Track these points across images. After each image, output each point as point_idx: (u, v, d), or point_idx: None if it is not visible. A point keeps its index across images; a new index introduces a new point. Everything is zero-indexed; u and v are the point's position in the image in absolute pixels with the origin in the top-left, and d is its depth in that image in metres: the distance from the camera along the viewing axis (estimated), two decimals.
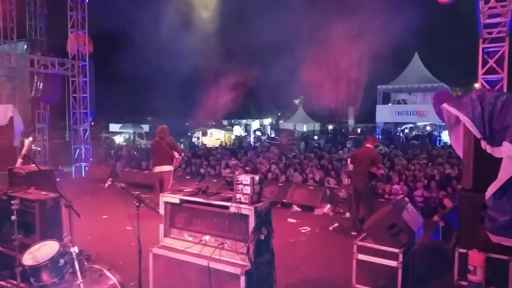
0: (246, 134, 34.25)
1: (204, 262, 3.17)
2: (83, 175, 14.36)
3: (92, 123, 16.27)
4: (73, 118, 14.71)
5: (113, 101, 30.96)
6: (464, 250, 5.02)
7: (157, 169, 8.54)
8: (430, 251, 6.23)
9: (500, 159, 4.72)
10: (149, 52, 24.74)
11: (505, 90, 8.26)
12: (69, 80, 14.37)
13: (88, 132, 14.93)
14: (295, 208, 9.27)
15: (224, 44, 30.52)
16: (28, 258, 3.54)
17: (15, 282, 4.16)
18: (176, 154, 8.56)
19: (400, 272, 4.65)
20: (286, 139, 25.97)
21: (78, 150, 14.60)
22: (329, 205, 9.15)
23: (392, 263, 4.68)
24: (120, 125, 33.54)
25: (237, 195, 3.21)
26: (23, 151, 5.52)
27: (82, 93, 14.46)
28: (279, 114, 48.71)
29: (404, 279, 4.68)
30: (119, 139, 28.63)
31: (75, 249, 3.42)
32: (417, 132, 30.76)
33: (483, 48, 8.47)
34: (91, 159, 15.11)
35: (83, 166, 14.62)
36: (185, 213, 3.52)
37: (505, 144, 4.66)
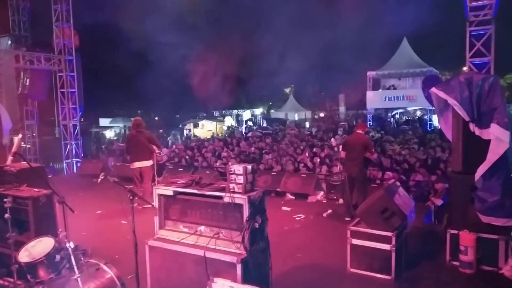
0: (237, 125, 34.14)
1: (200, 252, 3.20)
2: (75, 171, 14.28)
3: (82, 119, 16.10)
4: (62, 113, 14.55)
5: (102, 96, 30.67)
6: (455, 231, 5.12)
7: (137, 164, 8.16)
8: (422, 234, 6.34)
9: (489, 141, 4.81)
10: (137, 44, 24.42)
11: (492, 72, 8.35)
12: (56, 75, 14.19)
13: (78, 127, 14.80)
14: (289, 196, 9.33)
15: (213, 35, 30.31)
16: (24, 255, 3.53)
17: (12, 280, 4.14)
18: (155, 149, 8.20)
19: (393, 255, 4.74)
20: (278, 128, 26.01)
21: (68, 146, 14.48)
22: (322, 192, 9.23)
23: (386, 247, 4.77)
24: (110, 119, 33.25)
25: (230, 185, 3.22)
26: (13, 149, 5.46)
27: (70, 88, 14.30)
28: (270, 103, 48.67)
29: (397, 262, 4.77)
30: (109, 134, 28.42)
31: (70, 245, 3.42)
32: (408, 117, 31.00)
33: (470, 31, 8.54)
34: (82, 155, 15.01)
35: (74, 162, 14.52)
36: (179, 205, 3.53)
37: (493, 125, 4.74)
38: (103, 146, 19.98)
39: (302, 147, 14.44)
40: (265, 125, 32.22)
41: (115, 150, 17.68)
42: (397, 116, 30.86)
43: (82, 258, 3.67)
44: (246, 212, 3.11)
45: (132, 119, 8.85)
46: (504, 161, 4.69)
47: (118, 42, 24.37)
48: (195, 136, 25.57)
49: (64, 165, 14.49)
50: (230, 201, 3.17)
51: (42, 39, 14.91)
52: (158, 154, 8.36)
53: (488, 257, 4.94)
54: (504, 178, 4.73)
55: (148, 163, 8.21)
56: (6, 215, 4.23)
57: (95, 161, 14.14)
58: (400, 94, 27.88)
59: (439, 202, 7.27)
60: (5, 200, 4.26)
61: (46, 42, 14.38)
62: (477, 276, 4.85)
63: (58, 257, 3.54)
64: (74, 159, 14.54)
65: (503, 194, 4.73)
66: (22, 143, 13.45)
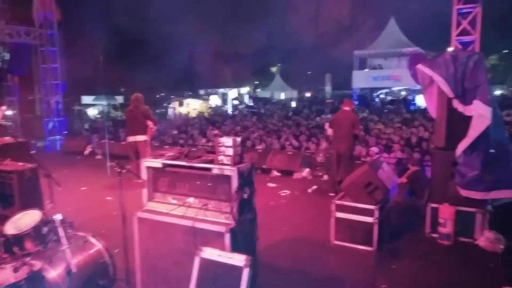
0: (222, 104, 33.91)
1: (189, 223, 3.23)
2: (58, 148, 14.07)
3: (64, 96, 15.72)
4: (44, 90, 14.20)
5: (85, 72, 29.91)
6: (435, 205, 5.30)
7: (131, 138, 8.37)
8: (403, 208, 6.53)
9: (471, 117, 4.93)
10: (121, 19, 23.77)
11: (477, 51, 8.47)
12: (37, 50, 13.77)
13: (60, 104, 14.49)
14: (275, 173, 9.44)
15: (199, 10, 29.69)
16: (11, 228, 3.51)
17: None
18: (150, 123, 8.33)
19: (376, 227, 4.89)
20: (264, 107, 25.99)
21: (51, 123, 14.20)
22: (307, 169, 9.36)
23: (369, 219, 4.91)
24: (93, 97, 32.58)
25: (219, 157, 3.24)
26: None
27: (52, 63, 13.91)
28: (256, 82, 48.39)
29: (379, 234, 4.93)
30: (92, 112, 27.94)
31: (58, 216, 3.41)
32: (393, 97, 31.25)
33: (457, 9, 8.59)
34: (65, 132, 14.76)
35: (57, 139, 14.29)
36: (168, 177, 3.53)
37: (476, 102, 4.85)
38: (86, 124, 19.64)
39: (287, 126, 14.54)
40: (251, 104, 32.10)
41: (98, 127, 17.45)
42: (382, 96, 31.08)
43: (70, 231, 3.67)
44: (234, 184, 3.15)
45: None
46: (485, 137, 4.83)
47: (102, 17, 23.65)
48: (181, 114, 25.24)
49: (46, 142, 14.23)
50: (219, 173, 3.20)
51: (22, 12, 14.34)
52: (152, 129, 8.39)
53: (465, 229, 5.15)
54: (484, 153, 4.87)
55: (142, 137, 8.29)
56: None
57: (79, 139, 13.99)
58: (386, 74, 28.05)
59: (404, 180, 7.34)
60: None
61: (26, 15, 13.87)
62: (455, 247, 5.07)
63: (45, 229, 3.54)
64: (56, 137, 14.29)
65: (483, 169, 4.89)
66: (3, 120, 13.15)
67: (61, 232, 3.38)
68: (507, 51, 37.33)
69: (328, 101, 26.01)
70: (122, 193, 3.71)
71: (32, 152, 7.93)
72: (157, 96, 35.89)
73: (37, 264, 3.10)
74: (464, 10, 8.55)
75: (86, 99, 32.58)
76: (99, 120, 20.20)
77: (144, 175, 3.58)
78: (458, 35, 8.70)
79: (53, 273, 3.24)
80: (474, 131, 4.82)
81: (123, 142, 12.25)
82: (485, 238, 4.97)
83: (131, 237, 3.65)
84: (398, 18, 28.67)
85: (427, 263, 4.67)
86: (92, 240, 3.76)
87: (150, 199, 3.62)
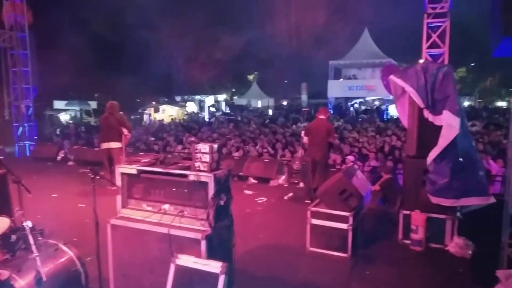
0: (199, 111, 33.78)
1: (164, 230, 3.20)
2: (27, 154, 13.62)
3: (35, 100, 15.28)
4: (13, 94, 13.76)
5: (57, 76, 29.13)
6: (407, 212, 5.44)
7: (105, 145, 8.29)
8: (377, 215, 6.66)
9: (441, 127, 5.10)
10: (96, 23, 23.34)
11: (446, 63, 8.83)
12: (7, 52, 13.36)
13: (31, 109, 14.07)
14: (252, 180, 9.46)
15: (175, 16, 29.58)
16: None
17: None
18: (125, 131, 8.28)
19: (350, 234, 4.97)
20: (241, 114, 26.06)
21: (21, 128, 13.75)
22: (284, 177, 9.42)
23: (343, 226, 4.99)
24: (65, 102, 31.79)
25: (196, 163, 3.23)
26: None
27: (22, 67, 13.51)
28: (233, 90, 48.46)
29: (354, 240, 5.01)
30: (64, 117, 27.26)
31: (28, 224, 3.30)
32: (366, 106, 31.98)
33: (427, 23, 8.96)
34: (36, 138, 14.32)
35: (27, 145, 13.84)
36: (143, 184, 3.49)
37: (445, 112, 5.03)
38: (57, 129, 19.12)
39: (264, 134, 14.63)
40: (228, 111, 32.10)
41: (70, 133, 17.04)
42: (356, 105, 31.74)
43: (40, 238, 3.56)
44: (211, 190, 3.14)
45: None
46: (453, 146, 5.00)
47: (75, 21, 23.16)
48: (156, 120, 24.96)
49: (16, 148, 13.75)
50: (196, 179, 3.18)
51: None
52: (126, 136, 8.32)
53: (436, 235, 5.31)
54: (453, 162, 5.04)
55: (116, 144, 8.20)
56: None
57: (50, 144, 13.60)
58: (360, 84, 28.72)
59: (377, 188, 7.50)
60: None
61: None
62: (426, 253, 5.20)
63: (14, 237, 3.41)
64: (27, 142, 13.84)
65: (452, 177, 5.05)
66: None
67: (30, 239, 3.27)
68: (474, 64, 38.97)
69: (304, 109, 26.31)
70: (95, 200, 3.63)
71: (1, 157, 7.66)
72: (133, 102, 35.34)
73: (5, 273, 2.99)
74: (434, 24, 8.94)
75: (58, 104, 31.77)
76: (71, 126, 19.70)
77: (118, 181, 3.53)
78: (428, 47, 9.06)
79: (22, 283, 3.13)
80: (443, 140, 4.98)
81: (97, 148, 12.04)
82: (454, 244, 5.13)
83: (104, 244, 3.57)
84: (371, 30, 29.49)
85: (400, 268, 4.77)
86: (64, 248, 3.65)
87: (124, 206, 3.56)
